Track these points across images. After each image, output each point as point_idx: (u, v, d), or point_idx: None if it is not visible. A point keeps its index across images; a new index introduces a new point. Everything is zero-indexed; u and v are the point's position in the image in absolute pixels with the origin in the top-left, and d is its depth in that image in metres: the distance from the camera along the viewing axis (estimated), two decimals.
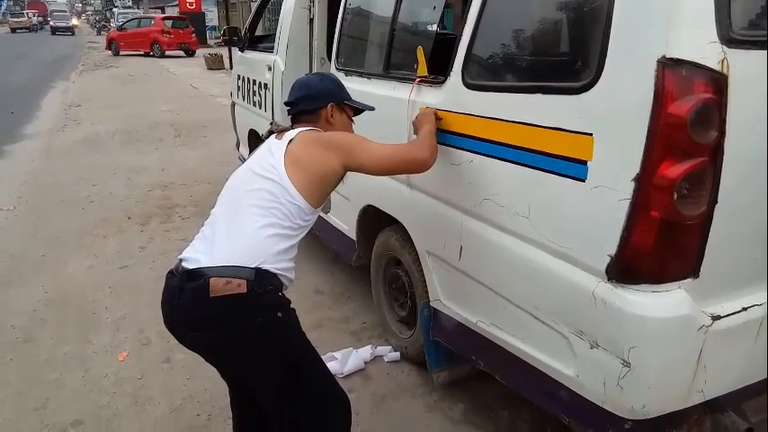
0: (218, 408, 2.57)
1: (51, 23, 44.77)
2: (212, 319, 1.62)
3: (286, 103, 2.02)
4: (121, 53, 23.32)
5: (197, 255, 1.67)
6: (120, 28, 24.89)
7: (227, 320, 1.61)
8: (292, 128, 1.90)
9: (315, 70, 3.73)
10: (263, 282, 1.61)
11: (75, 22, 53.46)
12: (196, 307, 1.62)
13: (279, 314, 1.66)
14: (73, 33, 43.07)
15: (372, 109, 2.14)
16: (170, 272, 1.71)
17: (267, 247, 1.65)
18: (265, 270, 1.63)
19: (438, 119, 2.12)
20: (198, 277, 1.60)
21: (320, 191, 1.77)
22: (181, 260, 1.70)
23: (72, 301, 3.61)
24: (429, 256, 2.42)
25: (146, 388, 2.75)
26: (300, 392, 1.73)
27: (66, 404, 2.64)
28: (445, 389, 2.66)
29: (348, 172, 1.85)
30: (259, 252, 1.63)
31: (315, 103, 1.95)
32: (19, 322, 3.34)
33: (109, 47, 24.36)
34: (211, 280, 1.58)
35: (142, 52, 23.06)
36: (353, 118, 2.09)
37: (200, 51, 20.48)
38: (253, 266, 1.61)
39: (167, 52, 22.73)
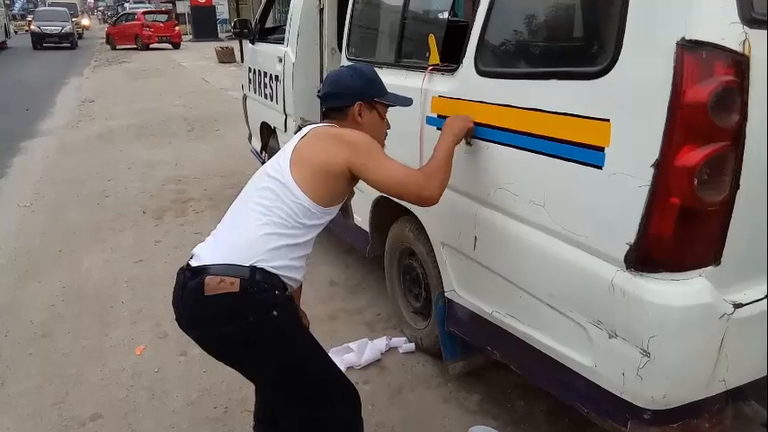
0: (234, 400, 2.58)
1: (33, 27, 25.47)
2: (207, 318, 1.63)
3: (319, 97, 1.98)
4: (117, 47, 24.27)
5: (202, 252, 1.67)
6: (114, 23, 26.38)
7: (219, 319, 1.61)
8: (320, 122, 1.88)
9: (326, 61, 3.71)
10: (257, 280, 1.59)
11: (85, 22, 37.84)
12: (193, 305, 1.63)
13: (274, 313, 1.62)
14: (73, 45, 25.34)
15: (408, 104, 2.01)
16: (180, 268, 1.71)
17: (262, 245, 1.62)
18: (261, 269, 1.60)
19: (469, 135, 2.02)
20: (198, 275, 1.60)
21: (325, 188, 1.69)
22: (191, 256, 1.71)
23: (89, 295, 3.64)
24: (443, 247, 2.40)
25: (163, 381, 2.77)
26: (304, 389, 1.72)
27: (85, 398, 2.67)
28: (460, 379, 2.65)
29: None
30: (254, 250, 1.61)
31: (341, 101, 1.85)
32: (37, 317, 3.38)
33: (108, 41, 25.63)
34: (206, 278, 1.58)
35: (132, 45, 24.02)
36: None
37: (212, 44, 20.66)
38: (247, 265, 1.59)
39: (151, 45, 23.85)
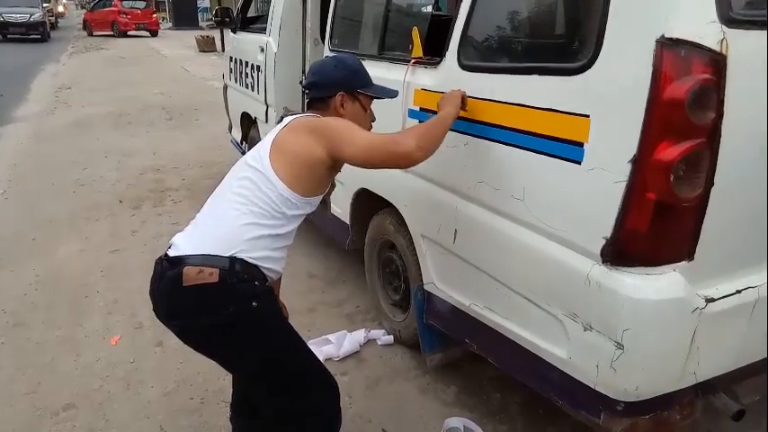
0: (211, 391, 2.56)
1: None
2: (185, 309, 1.61)
3: (302, 87, 1.96)
4: (94, 33, 23.91)
5: (181, 241, 1.65)
6: (91, 9, 25.62)
7: (198, 310, 1.59)
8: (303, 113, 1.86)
9: (308, 51, 3.68)
10: (237, 271, 1.58)
11: (60, 8, 33.24)
12: (172, 296, 1.62)
13: (253, 303, 1.61)
14: (44, 36, 21.24)
15: (393, 95, 2.00)
16: (158, 258, 1.69)
17: (241, 235, 1.60)
18: (241, 259, 1.59)
19: (464, 105, 1.95)
20: (176, 265, 1.59)
21: (305, 179, 1.67)
22: (170, 245, 1.69)
23: (63, 284, 3.59)
24: (423, 240, 2.41)
25: (138, 372, 2.74)
26: (284, 380, 1.72)
27: (58, 388, 2.63)
28: (438, 371, 2.67)
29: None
30: (234, 241, 1.60)
31: (323, 91, 1.84)
32: (10, 306, 3.31)
33: (84, 27, 25.12)
34: (185, 269, 1.56)
35: (109, 32, 23.72)
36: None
37: (193, 33, 20.39)
38: (227, 255, 1.58)
39: (129, 32, 23.55)
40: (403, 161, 1.71)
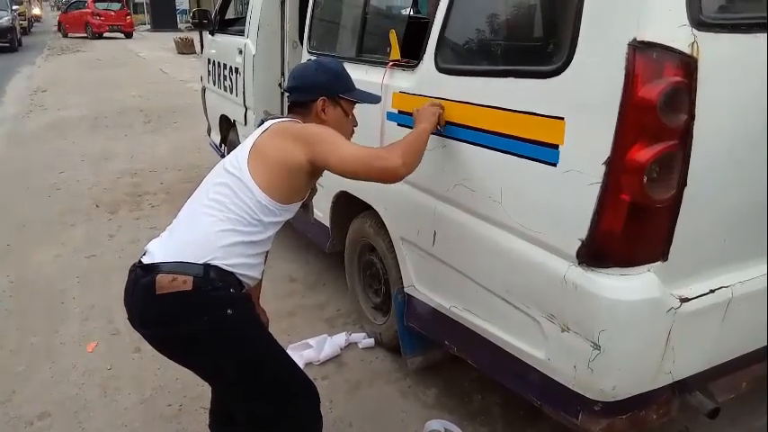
0: (189, 398, 2.53)
1: None
2: (159, 317, 1.58)
3: (285, 90, 1.94)
4: (69, 35, 23.62)
5: (155, 248, 1.63)
6: (66, 11, 25.28)
7: (172, 319, 1.57)
8: (283, 116, 1.84)
9: (287, 54, 3.67)
10: (211, 279, 1.55)
11: (36, 11, 31.06)
12: (145, 304, 1.59)
13: (228, 311, 1.59)
14: (14, 45, 18.07)
15: (376, 101, 2.00)
16: (132, 265, 1.66)
17: (215, 242, 1.58)
18: (215, 266, 1.56)
19: (441, 121, 1.96)
20: (149, 272, 1.56)
21: (285, 186, 1.66)
22: (144, 252, 1.66)
23: (39, 290, 3.52)
24: (403, 243, 2.41)
25: (115, 378, 2.70)
26: (260, 387, 1.69)
27: (33, 396, 2.58)
28: (419, 374, 2.66)
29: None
30: (208, 247, 1.57)
31: (305, 96, 1.82)
32: None
33: (59, 28, 24.90)
34: (158, 276, 1.54)
35: (83, 34, 23.38)
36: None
37: (171, 35, 20.18)
38: (201, 262, 1.55)
39: (104, 34, 23.30)
40: (388, 176, 1.70)
